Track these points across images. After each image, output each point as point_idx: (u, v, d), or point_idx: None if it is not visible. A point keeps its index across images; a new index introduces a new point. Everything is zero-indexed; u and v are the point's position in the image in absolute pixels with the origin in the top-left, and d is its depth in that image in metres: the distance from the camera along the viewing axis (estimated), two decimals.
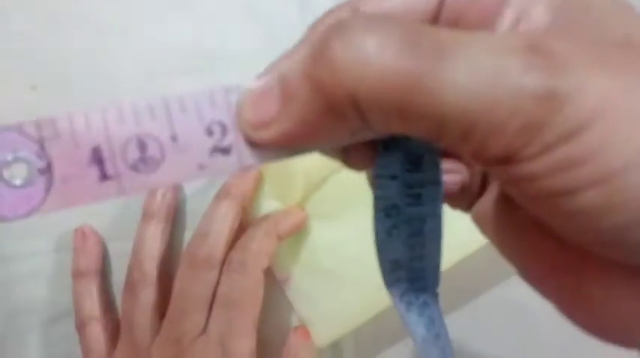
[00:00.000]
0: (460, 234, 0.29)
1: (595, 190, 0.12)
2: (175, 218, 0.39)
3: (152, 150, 0.15)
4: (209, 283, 0.35)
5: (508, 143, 0.13)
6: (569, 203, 0.13)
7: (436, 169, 0.18)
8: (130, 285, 0.36)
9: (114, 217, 0.39)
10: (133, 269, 0.37)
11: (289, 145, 0.15)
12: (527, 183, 0.13)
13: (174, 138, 0.15)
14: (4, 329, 0.39)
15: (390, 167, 0.17)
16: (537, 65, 0.12)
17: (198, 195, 0.39)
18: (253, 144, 0.16)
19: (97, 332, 0.37)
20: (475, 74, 0.12)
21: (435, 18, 0.16)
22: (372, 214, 0.18)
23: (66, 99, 0.38)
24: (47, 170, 0.14)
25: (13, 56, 0.39)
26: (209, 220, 0.36)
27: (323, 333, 0.38)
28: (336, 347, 0.40)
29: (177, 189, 0.39)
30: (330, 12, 0.17)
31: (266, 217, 0.37)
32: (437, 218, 0.18)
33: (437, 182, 0.18)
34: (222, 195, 0.37)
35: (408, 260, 0.18)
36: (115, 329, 0.37)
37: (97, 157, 0.15)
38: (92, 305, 0.37)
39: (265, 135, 0.15)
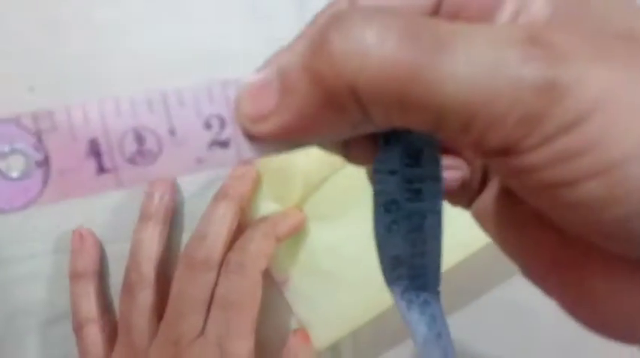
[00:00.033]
0: (461, 235, 0.29)
1: (596, 181, 0.12)
2: (173, 219, 0.39)
3: (150, 143, 0.15)
4: (207, 285, 0.35)
5: (508, 134, 0.13)
6: (569, 194, 0.13)
7: (436, 164, 0.18)
8: (128, 287, 0.36)
9: (112, 219, 0.39)
10: (130, 271, 0.36)
11: (288, 138, 0.15)
12: (527, 175, 0.13)
13: (172, 132, 0.15)
14: (2, 331, 0.39)
15: (390, 162, 0.17)
16: (537, 56, 0.12)
17: (196, 197, 0.39)
18: (252, 138, 0.15)
19: (95, 333, 0.37)
20: (475, 66, 0.12)
21: (435, 11, 0.16)
22: (372, 209, 0.18)
23: (64, 100, 0.37)
24: (44, 162, 0.14)
25: (11, 57, 0.39)
26: (207, 222, 0.36)
27: (322, 335, 0.38)
28: (334, 349, 0.39)
29: (175, 191, 0.39)
30: (330, 5, 0.17)
31: (264, 219, 0.37)
32: (437, 214, 0.18)
33: (437, 177, 0.18)
34: (220, 196, 0.37)
35: (409, 256, 0.18)
36: (112, 331, 0.37)
37: (95, 150, 0.14)
38: (89, 306, 0.37)
39: (264, 128, 0.15)
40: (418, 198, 0.18)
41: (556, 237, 0.15)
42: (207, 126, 0.15)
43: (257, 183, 0.38)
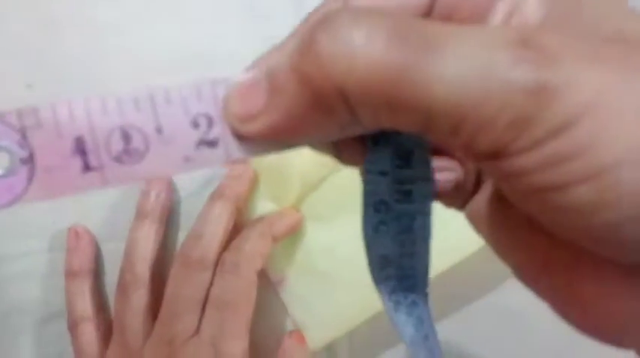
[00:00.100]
0: (454, 238, 0.29)
1: (586, 186, 0.12)
2: (169, 219, 0.39)
3: (136, 142, 0.15)
4: (202, 284, 0.35)
5: (498, 137, 0.13)
6: (559, 198, 0.13)
7: (426, 166, 0.17)
8: (122, 287, 0.36)
9: (107, 217, 0.39)
10: (125, 271, 0.36)
11: (276, 138, 0.15)
12: (516, 178, 0.13)
13: (159, 130, 0.15)
14: None
15: (380, 163, 0.17)
16: (527, 59, 0.12)
17: (192, 196, 0.39)
18: (240, 138, 0.15)
19: (90, 332, 0.36)
20: (464, 67, 0.12)
21: (428, 13, 0.16)
22: (361, 209, 0.18)
23: (61, 98, 0.38)
24: (29, 160, 0.14)
25: (9, 55, 0.39)
26: (203, 221, 0.36)
27: (317, 336, 0.38)
28: (330, 350, 0.39)
29: (172, 189, 0.39)
30: (324, 4, 0.17)
31: (261, 218, 0.37)
32: (427, 216, 0.18)
33: (427, 179, 0.18)
34: (216, 196, 0.37)
35: (398, 256, 0.18)
36: (107, 330, 0.37)
37: (80, 148, 0.14)
38: (85, 305, 0.37)
39: (252, 127, 0.15)
40: (408, 199, 0.17)
41: (547, 240, 0.15)
42: (195, 124, 0.15)
43: (254, 183, 0.38)
